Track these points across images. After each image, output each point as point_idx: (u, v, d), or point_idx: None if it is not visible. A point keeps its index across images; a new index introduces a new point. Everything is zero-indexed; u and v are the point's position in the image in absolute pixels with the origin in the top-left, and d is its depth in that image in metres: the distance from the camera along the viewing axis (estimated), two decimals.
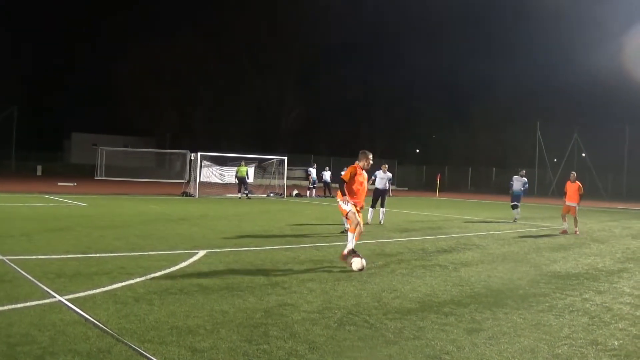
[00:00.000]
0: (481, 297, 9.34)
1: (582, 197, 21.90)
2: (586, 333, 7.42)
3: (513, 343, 6.86)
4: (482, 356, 6.37)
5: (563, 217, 22.14)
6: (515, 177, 26.48)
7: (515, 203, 26.21)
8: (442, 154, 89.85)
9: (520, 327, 7.60)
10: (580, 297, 9.65)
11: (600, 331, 7.55)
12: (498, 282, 10.76)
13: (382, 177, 22.74)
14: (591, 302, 9.25)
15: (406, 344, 6.71)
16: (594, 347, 6.84)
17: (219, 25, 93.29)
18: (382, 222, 22.17)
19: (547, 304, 9.00)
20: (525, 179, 26.44)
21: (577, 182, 21.90)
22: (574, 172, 22.57)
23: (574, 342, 6.97)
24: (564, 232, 21.39)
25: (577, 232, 21.27)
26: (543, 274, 11.95)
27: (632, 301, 9.48)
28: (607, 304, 9.16)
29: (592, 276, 11.84)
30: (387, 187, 22.81)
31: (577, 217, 21.78)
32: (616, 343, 7.04)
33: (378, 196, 22.58)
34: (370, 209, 22.32)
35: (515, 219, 26.24)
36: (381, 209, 22.51)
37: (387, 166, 23.41)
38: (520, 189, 26.18)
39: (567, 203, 21.89)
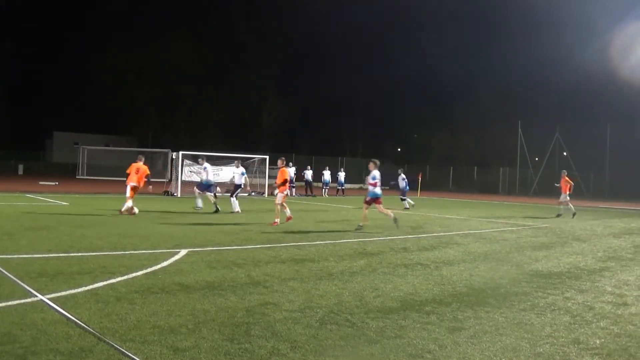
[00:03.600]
0: (463, 296, 9.36)
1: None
2: (568, 332, 7.45)
3: (495, 342, 6.87)
4: (464, 355, 6.38)
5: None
6: (399, 178, 33.11)
7: (406, 198, 32.55)
8: (423, 153, 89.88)
9: (502, 325, 7.63)
10: (562, 295, 9.69)
11: (582, 330, 7.58)
12: (480, 281, 10.79)
13: None
14: (573, 301, 9.29)
15: (388, 342, 6.72)
16: (575, 345, 6.86)
17: (200, 24, 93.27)
18: None
19: (528, 303, 9.03)
20: (404, 176, 33.32)
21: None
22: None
23: (555, 341, 7.00)
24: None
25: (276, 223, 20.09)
26: (525, 272, 11.99)
27: (614, 300, 9.52)
28: (588, 303, 9.20)
29: (574, 275, 11.89)
30: None
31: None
32: (598, 342, 7.07)
33: None
34: None
35: (407, 207, 31.85)
36: None
37: None
38: (405, 186, 32.80)
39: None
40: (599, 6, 73.42)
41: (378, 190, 19.05)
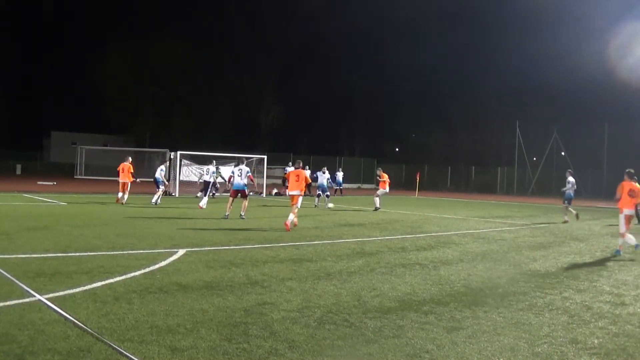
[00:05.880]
0: (461, 296, 9.37)
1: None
2: (566, 332, 7.45)
3: (493, 342, 6.88)
4: (462, 355, 6.38)
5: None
6: (319, 173, 33.96)
7: (327, 194, 32.83)
8: (421, 152, 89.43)
9: (500, 325, 7.63)
10: (560, 295, 9.69)
11: (580, 330, 7.58)
12: (478, 281, 10.79)
13: None
14: (571, 301, 9.29)
15: (386, 342, 6.72)
16: (573, 345, 6.87)
17: (198, 23, 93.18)
18: None
19: (526, 303, 9.03)
20: (327, 174, 34.02)
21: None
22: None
23: (553, 341, 7.00)
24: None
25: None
26: (523, 272, 12.00)
27: (612, 300, 9.53)
28: (586, 303, 9.20)
29: (572, 275, 11.90)
30: None
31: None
32: (596, 341, 7.07)
33: None
34: None
35: (316, 205, 32.36)
36: None
37: None
38: (324, 183, 33.04)
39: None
40: (598, 6, 73.34)
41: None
